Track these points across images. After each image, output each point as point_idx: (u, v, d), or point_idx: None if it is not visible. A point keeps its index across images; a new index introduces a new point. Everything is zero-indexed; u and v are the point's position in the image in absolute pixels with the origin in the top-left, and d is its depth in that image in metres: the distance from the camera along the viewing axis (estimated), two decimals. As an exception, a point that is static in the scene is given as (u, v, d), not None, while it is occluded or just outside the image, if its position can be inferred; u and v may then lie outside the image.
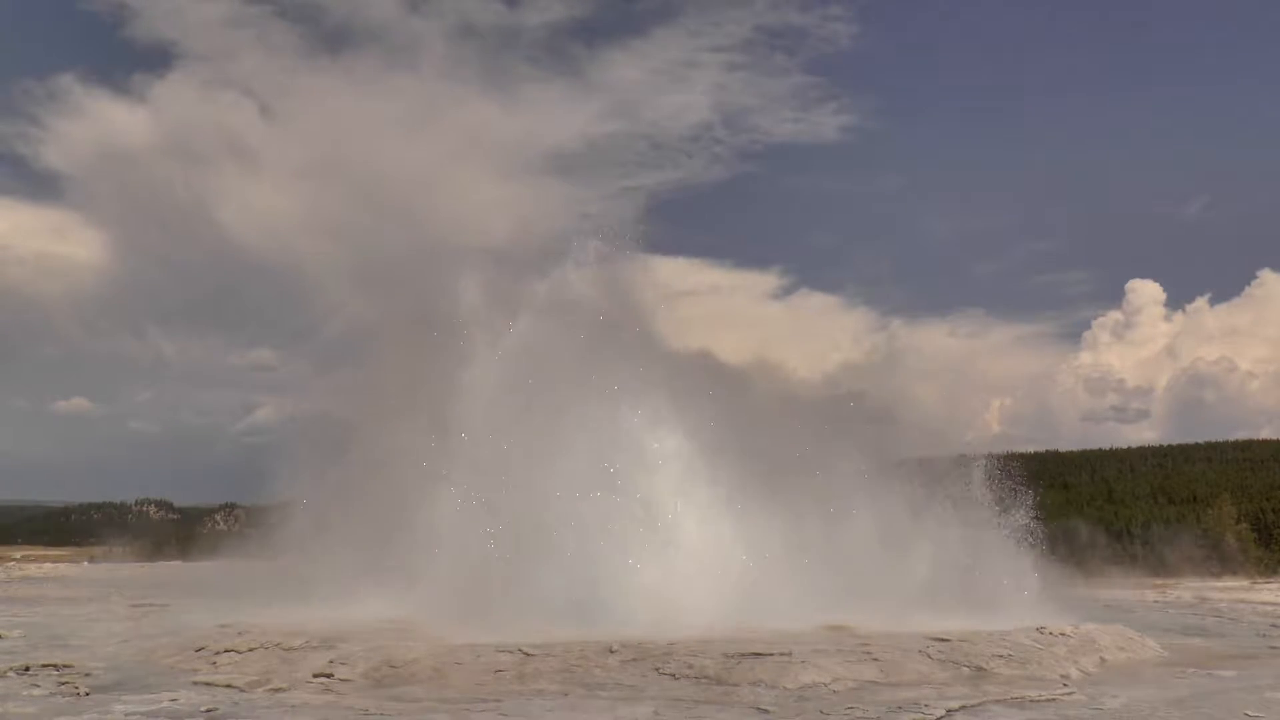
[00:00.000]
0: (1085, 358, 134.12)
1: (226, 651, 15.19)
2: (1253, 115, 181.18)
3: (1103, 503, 64.09)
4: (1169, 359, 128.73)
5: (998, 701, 12.22)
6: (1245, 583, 38.08)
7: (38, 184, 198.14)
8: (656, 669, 13.69)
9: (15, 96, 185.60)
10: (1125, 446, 79.29)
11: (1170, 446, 78.22)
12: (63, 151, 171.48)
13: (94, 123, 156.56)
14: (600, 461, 18.52)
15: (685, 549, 18.41)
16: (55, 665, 14.94)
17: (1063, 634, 16.35)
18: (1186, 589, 34.44)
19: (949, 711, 11.56)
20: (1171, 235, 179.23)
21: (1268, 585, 36.48)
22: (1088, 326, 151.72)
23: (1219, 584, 37.65)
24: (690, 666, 13.67)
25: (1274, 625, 22.30)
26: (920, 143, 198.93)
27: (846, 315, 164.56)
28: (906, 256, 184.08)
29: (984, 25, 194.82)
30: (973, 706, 11.88)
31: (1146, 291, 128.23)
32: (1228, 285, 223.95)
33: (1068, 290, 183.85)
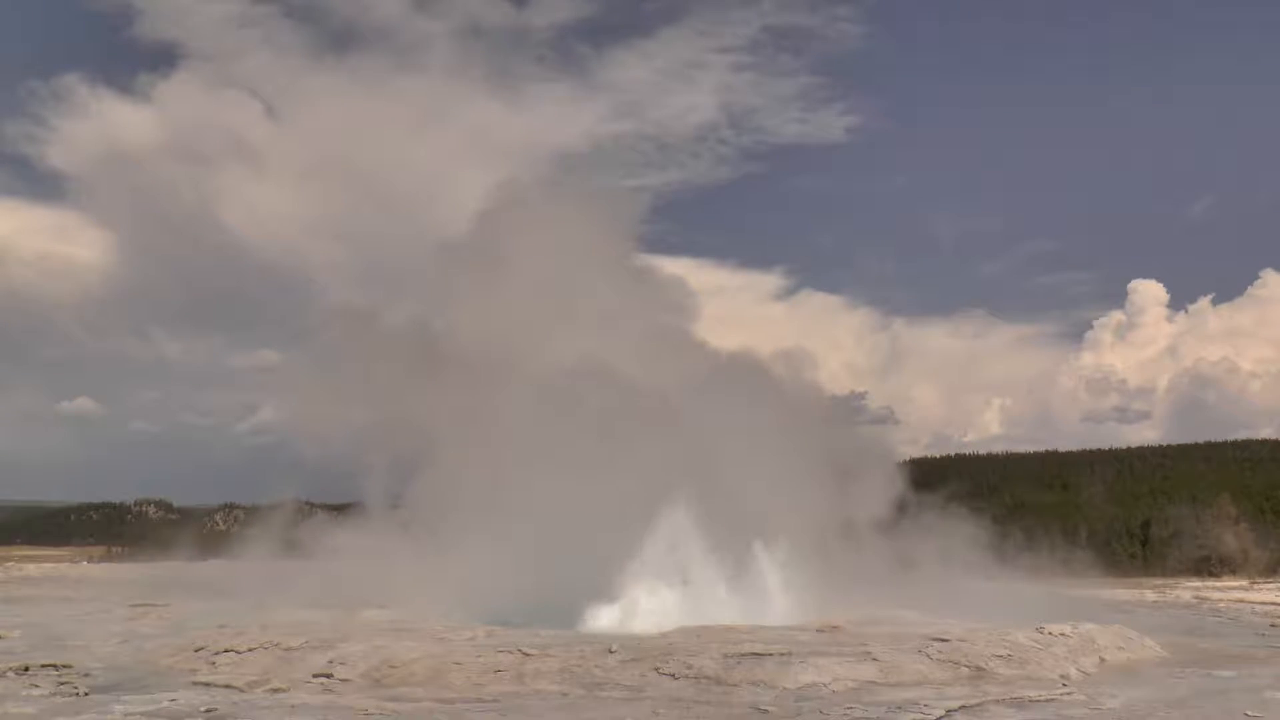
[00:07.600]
0: (1087, 358, 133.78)
1: (226, 652, 15.17)
2: (1256, 115, 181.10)
3: (1102, 503, 63.91)
4: (1171, 359, 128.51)
5: (997, 701, 12.20)
6: (1244, 583, 38.01)
7: (42, 184, 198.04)
8: (656, 669, 13.65)
9: (20, 97, 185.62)
10: (1126, 447, 79.05)
11: (1170, 447, 77.98)
12: (67, 152, 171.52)
13: (99, 123, 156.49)
14: None
15: None
16: (55, 665, 14.93)
17: (1062, 634, 16.30)
18: (1186, 589, 34.40)
19: (948, 711, 11.54)
20: (1174, 236, 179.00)
21: (1267, 585, 36.41)
22: (1090, 327, 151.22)
23: (1218, 584, 37.60)
24: (689, 666, 13.63)
25: (1273, 625, 22.29)
26: (925, 144, 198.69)
27: (849, 315, 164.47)
28: (909, 257, 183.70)
29: (989, 27, 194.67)
30: (972, 706, 11.87)
31: (1149, 292, 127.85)
32: (1230, 285, 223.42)
33: (1070, 291, 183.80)
